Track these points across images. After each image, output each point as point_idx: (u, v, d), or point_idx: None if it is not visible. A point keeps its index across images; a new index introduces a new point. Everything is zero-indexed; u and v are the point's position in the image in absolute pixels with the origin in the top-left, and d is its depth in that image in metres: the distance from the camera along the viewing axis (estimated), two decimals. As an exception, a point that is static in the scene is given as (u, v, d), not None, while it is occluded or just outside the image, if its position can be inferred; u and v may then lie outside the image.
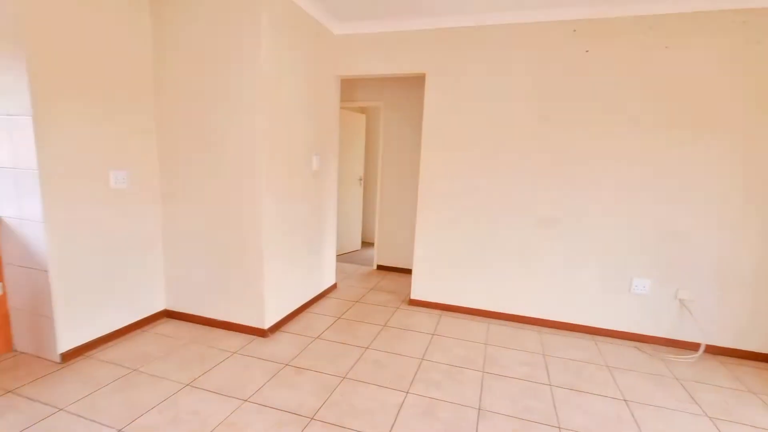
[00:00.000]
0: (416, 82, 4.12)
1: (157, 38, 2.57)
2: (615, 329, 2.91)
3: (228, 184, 2.58)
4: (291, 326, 2.90)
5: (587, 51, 2.70)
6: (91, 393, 1.99)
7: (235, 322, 2.74)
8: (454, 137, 3.08)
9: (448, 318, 3.18)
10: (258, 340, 2.64)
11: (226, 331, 2.75)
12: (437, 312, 3.31)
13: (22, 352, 2.32)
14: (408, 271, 4.37)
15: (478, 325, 3.06)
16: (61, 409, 1.85)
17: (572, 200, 2.87)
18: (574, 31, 2.71)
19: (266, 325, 2.68)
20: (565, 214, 2.90)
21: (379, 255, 4.57)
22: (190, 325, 2.83)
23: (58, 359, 2.23)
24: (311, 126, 3.05)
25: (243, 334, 2.71)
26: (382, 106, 4.34)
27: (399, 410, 1.97)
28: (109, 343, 2.49)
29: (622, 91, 2.67)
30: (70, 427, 1.74)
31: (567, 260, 2.94)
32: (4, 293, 2.29)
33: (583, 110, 2.76)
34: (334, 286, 3.78)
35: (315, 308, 3.28)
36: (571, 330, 3.01)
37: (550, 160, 2.88)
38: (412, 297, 3.44)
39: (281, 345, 2.60)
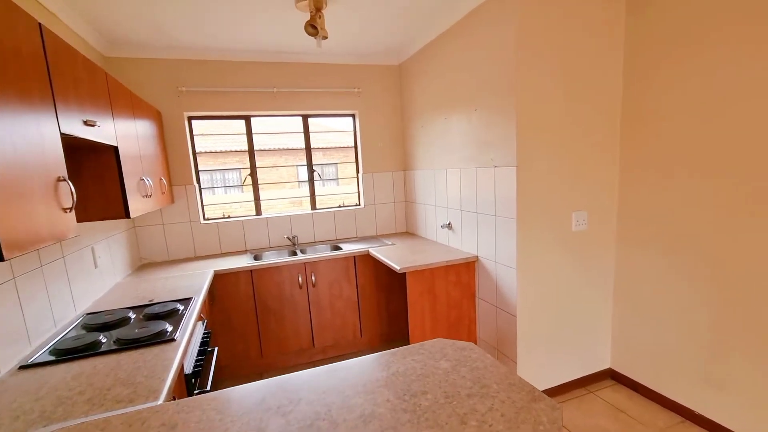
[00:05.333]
0: None
1: (626, 83, 2.14)
2: None
3: (727, 214, 1.76)
4: None
5: None
6: (562, 470, 1.74)
7: (730, 429, 1.85)
8: None
9: None
10: (784, 477, 1.63)
11: (710, 433, 1.91)
12: None
13: (484, 381, 2.49)
14: None
15: None
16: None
17: None
18: None
19: (802, 459, 1.62)
20: None
21: None
22: (644, 400, 2.20)
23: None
24: None
25: (746, 453, 1.78)
26: None
27: None
28: (556, 398, 2.28)
29: None
30: None
31: None
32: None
33: None
34: None
35: None
36: None
37: None
38: None
39: None
